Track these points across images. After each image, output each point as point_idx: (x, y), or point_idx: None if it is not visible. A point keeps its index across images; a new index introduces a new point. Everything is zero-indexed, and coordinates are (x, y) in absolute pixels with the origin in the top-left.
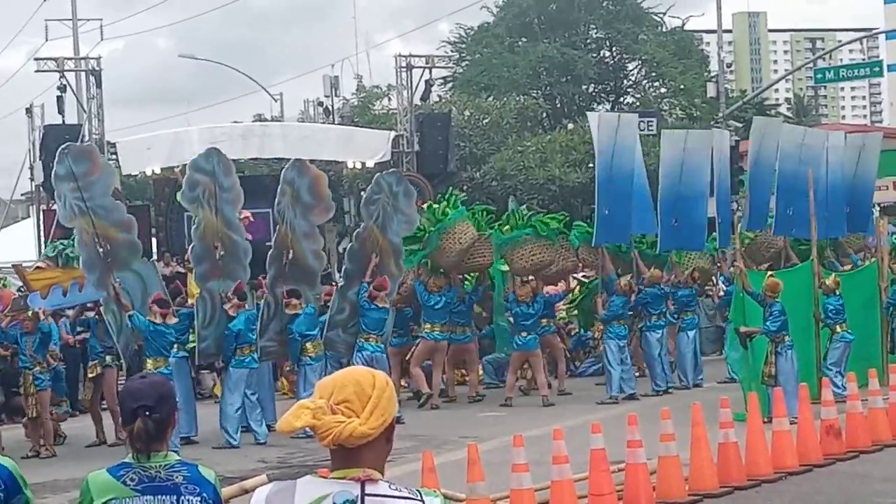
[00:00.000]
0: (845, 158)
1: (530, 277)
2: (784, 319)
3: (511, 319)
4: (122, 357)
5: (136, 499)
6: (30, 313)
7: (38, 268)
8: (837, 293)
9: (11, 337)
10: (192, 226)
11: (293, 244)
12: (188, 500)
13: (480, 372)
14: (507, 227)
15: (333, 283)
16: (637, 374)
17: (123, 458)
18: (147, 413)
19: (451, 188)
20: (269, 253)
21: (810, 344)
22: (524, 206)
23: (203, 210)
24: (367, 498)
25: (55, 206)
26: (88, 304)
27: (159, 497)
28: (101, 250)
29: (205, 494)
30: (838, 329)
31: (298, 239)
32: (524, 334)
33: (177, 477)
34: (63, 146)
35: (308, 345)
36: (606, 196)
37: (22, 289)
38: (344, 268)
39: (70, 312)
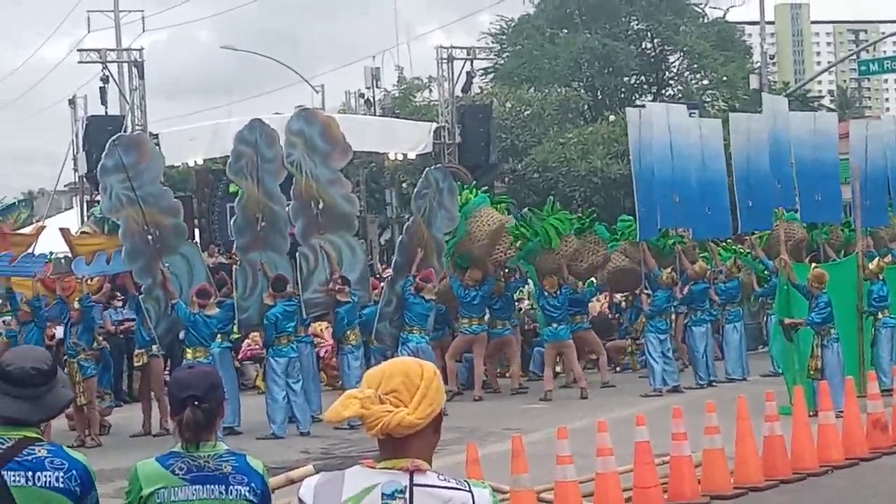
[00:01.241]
0: (888, 147)
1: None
2: (830, 311)
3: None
4: (161, 344)
5: (185, 488)
6: (75, 304)
7: (83, 233)
8: (881, 278)
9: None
10: (236, 199)
11: (321, 194)
12: (237, 490)
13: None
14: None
15: (377, 276)
16: (681, 367)
17: (172, 448)
18: (196, 403)
19: (492, 180)
20: (291, 205)
21: (855, 338)
22: (552, 201)
23: (246, 182)
24: (415, 488)
25: (99, 197)
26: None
27: (208, 486)
28: (150, 238)
29: (253, 485)
30: (880, 315)
31: (325, 187)
32: (555, 325)
33: (225, 467)
34: (114, 138)
35: (349, 333)
36: (640, 192)
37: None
38: (394, 260)
39: (117, 303)
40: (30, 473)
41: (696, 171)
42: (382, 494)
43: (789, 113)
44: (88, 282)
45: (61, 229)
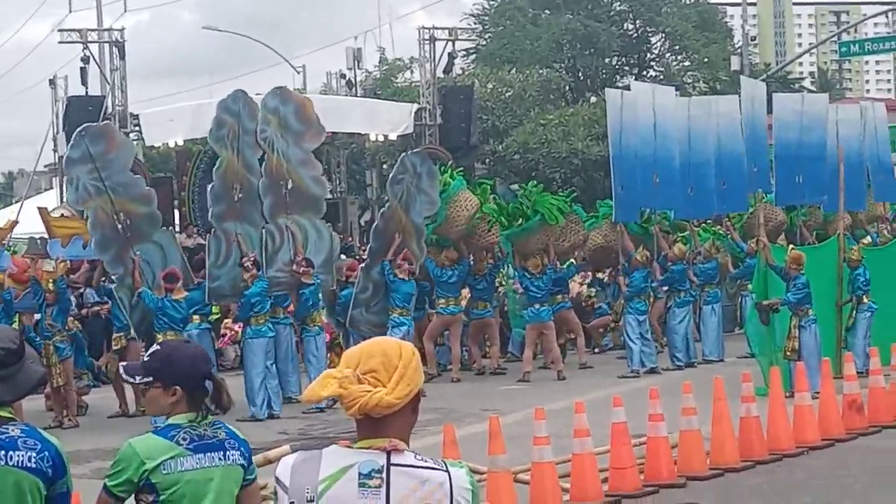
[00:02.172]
0: (865, 131)
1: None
2: (807, 292)
3: (521, 291)
4: (137, 333)
5: (190, 457)
6: (50, 286)
7: (62, 215)
8: (863, 264)
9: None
10: (215, 166)
11: (290, 173)
12: (232, 455)
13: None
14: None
15: (357, 257)
16: (658, 349)
17: (168, 421)
18: (211, 376)
19: (472, 161)
20: (261, 182)
21: (833, 319)
22: (534, 183)
23: (226, 151)
24: (392, 468)
25: None
26: (113, 275)
27: (209, 454)
28: (120, 227)
29: (242, 449)
30: (865, 300)
31: (295, 167)
32: (537, 306)
33: (220, 433)
34: (79, 129)
35: (314, 314)
36: (620, 173)
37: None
38: (369, 246)
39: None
40: (2, 452)
41: (682, 153)
42: (359, 474)
43: (775, 94)
44: (62, 264)
45: (39, 209)
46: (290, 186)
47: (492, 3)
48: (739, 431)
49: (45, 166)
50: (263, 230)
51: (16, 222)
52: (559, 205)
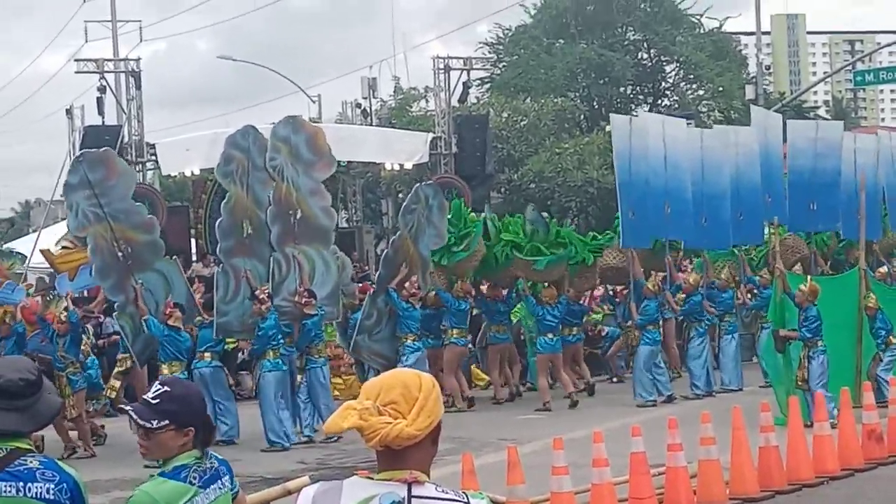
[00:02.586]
0: (879, 159)
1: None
2: (819, 324)
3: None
4: (137, 361)
5: (202, 494)
6: (61, 315)
7: (64, 248)
8: (880, 308)
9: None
10: (223, 201)
11: (300, 203)
12: (225, 482)
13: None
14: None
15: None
16: (674, 375)
17: (174, 462)
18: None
19: (488, 191)
20: (269, 210)
21: (852, 348)
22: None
23: (235, 186)
24: (413, 500)
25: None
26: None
27: (212, 486)
28: (120, 254)
29: (230, 474)
30: (893, 341)
31: (305, 197)
32: (550, 336)
33: (214, 463)
34: (78, 155)
35: (317, 347)
36: (629, 199)
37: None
38: (378, 273)
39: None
40: (20, 484)
41: (695, 183)
42: None
43: (789, 122)
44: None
45: (42, 251)
46: (298, 216)
47: (507, 31)
48: (759, 461)
49: (62, 195)
50: (271, 258)
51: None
52: (593, 244)
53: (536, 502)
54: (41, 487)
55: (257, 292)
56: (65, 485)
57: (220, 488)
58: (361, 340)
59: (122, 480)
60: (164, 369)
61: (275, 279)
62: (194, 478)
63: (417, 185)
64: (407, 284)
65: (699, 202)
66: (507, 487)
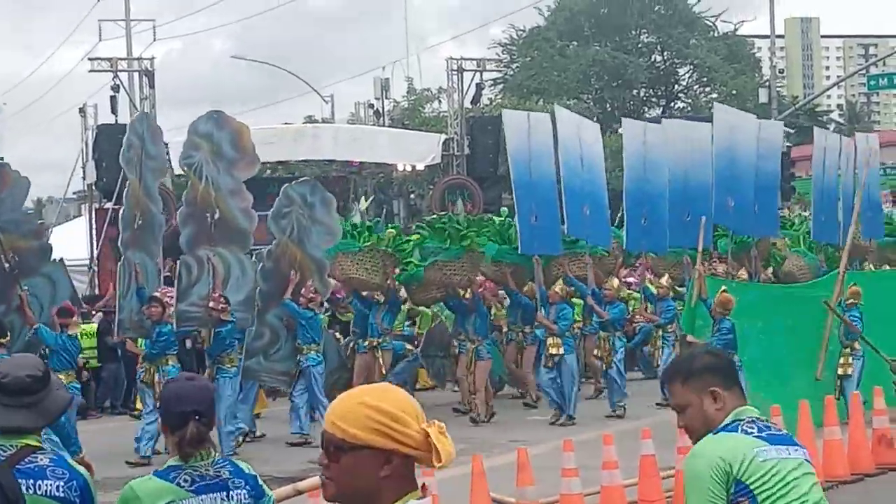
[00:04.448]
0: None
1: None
2: (732, 338)
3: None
4: None
5: (192, 499)
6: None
7: None
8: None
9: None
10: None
11: (218, 202)
12: (237, 494)
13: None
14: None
15: None
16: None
17: (168, 462)
18: (198, 417)
19: (500, 192)
20: (180, 210)
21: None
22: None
23: (133, 175)
24: None
25: (108, 205)
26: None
27: (212, 495)
28: (7, 265)
29: (248, 487)
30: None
31: (224, 196)
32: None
33: (223, 472)
34: None
35: (230, 356)
36: (529, 202)
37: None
38: (258, 289)
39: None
40: (31, 481)
41: (634, 181)
42: None
43: (738, 113)
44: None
45: None
46: (216, 217)
47: (520, 32)
48: None
49: (74, 193)
50: (179, 262)
51: None
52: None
53: None
54: (51, 484)
55: (215, 295)
56: (75, 482)
57: (221, 500)
58: (256, 364)
59: (133, 478)
60: (62, 378)
61: (182, 283)
62: (185, 480)
63: (286, 185)
64: (303, 291)
65: (639, 202)
66: (517, 489)
